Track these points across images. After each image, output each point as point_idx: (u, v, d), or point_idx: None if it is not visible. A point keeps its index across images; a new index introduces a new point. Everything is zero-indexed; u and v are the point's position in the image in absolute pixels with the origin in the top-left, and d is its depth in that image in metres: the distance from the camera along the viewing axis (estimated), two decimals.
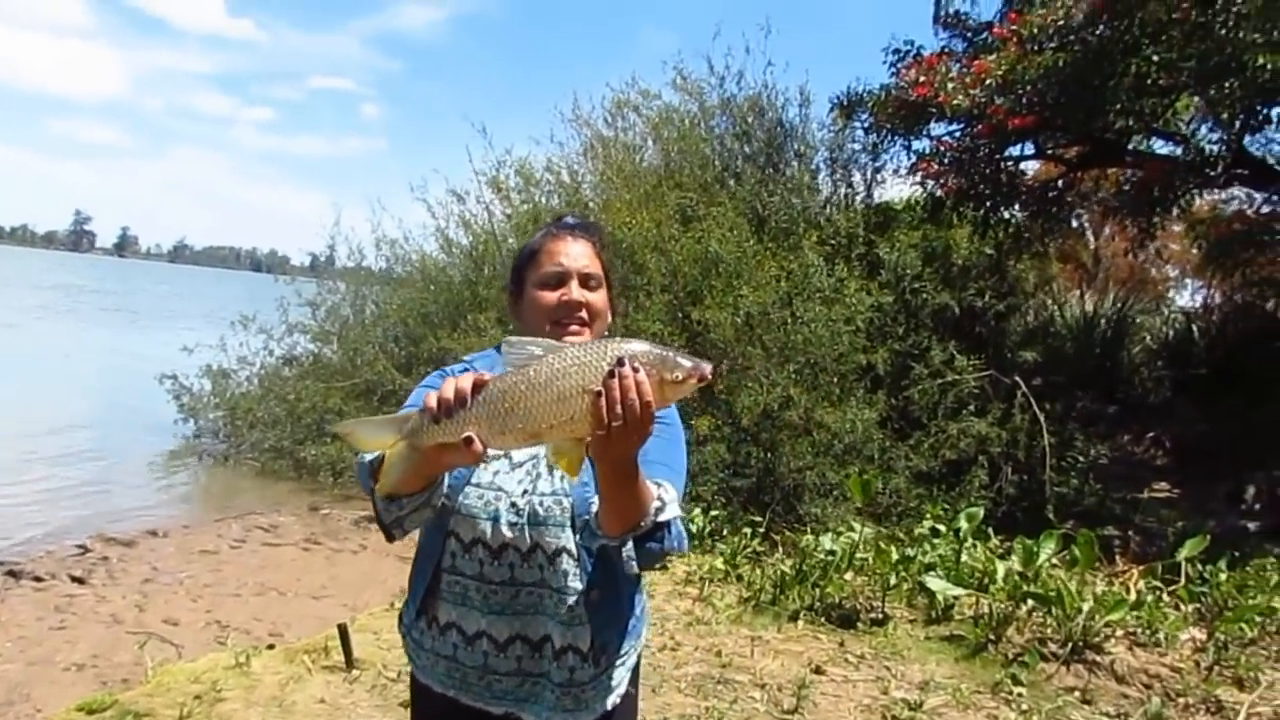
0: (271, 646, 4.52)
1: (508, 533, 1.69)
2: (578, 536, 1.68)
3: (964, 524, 5.66)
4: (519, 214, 9.95)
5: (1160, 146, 9.20)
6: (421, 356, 8.77)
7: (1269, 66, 6.84)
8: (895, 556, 5.44)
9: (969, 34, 10.46)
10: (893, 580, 5.35)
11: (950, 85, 8.81)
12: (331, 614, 5.18)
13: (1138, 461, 10.98)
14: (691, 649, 4.61)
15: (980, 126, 8.58)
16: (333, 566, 6.46)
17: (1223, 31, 7.41)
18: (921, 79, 8.98)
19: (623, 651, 1.78)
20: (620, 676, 1.78)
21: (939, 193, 9.16)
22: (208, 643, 4.94)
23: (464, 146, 10.20)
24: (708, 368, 1.35)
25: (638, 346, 1.34)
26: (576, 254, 1.77)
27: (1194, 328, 13.05)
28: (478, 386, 1.35)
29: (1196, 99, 7.71)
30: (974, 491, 6.90)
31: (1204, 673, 4.41)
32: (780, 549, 6.36)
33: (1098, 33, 8.17)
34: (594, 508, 1.60)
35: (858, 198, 10.13)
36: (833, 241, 8.50)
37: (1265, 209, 10.67)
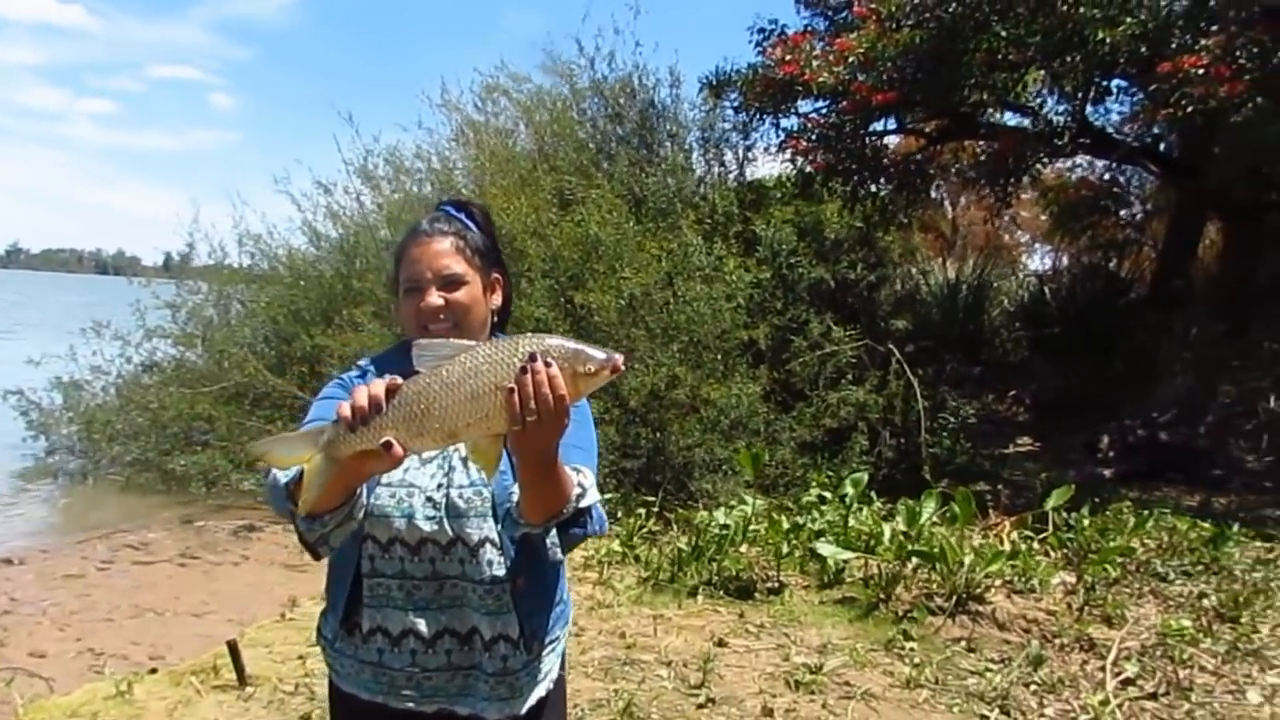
0: (154, 671, 4.29)
1: (425, 527, 1.67)
2: (499, 526, 1.67)
3: (849, 489, 5.86)
4: (390, 203, 9.70)
5: (1012, 119, 9.67)
6: (294, 355, 8.46)
7: (1107, 41, 7.27)
8: (786, 526, 5.57)
9: (830, 12, 10.77)
10: (784, 549, 5.48)
11: (815, 63, 9.05)
12: (217, 631, 4.95)
13: (1002, 419, 11.59)
14: (596, 633, 4.61)
15: (845, 103, 8.83)
16: (213, 581, 6.16)
17: (1064, 8, 7.83)
18: (788, 57, 9.19)
19: (552, 637, 1.79)
20: (551, 662, 1.80)
21: (809, 169, 9.39)
22: (82, 673, 4.64)
23: (327, 136, 9.88)
24: (620, 359, 1.36)
25: (550, 341, 1.35)
26: (433, 257, 1.72)
27: (1046, 290, 13.82)
28: (391, 390, 1.34)
29: (1043, 73, 8.13)
30: (855, 457, 7.13)
31: (1076, 614, 4.70)
32: (675, 527, 6.42)
33: (951, 10, 8.51)
34: (515, 497, 1.59)
35: (730, 176, 10.29)
36: (709, 220, 8.60)
37: (1106, 176, 11.38)
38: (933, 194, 14.61)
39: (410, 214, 9.14)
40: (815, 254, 8.09)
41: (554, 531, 1.60)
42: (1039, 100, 8.75)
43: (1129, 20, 7.30)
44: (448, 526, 1.67)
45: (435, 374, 1.34)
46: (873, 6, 9.03)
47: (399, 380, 1.34)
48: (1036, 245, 23.52)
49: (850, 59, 8.84)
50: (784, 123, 9.88)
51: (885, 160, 9.66)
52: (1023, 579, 5.05)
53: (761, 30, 10.52)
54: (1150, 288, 11.88)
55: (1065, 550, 5.64)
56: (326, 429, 1.38)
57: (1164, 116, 6.84)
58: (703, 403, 6.96)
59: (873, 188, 9.42)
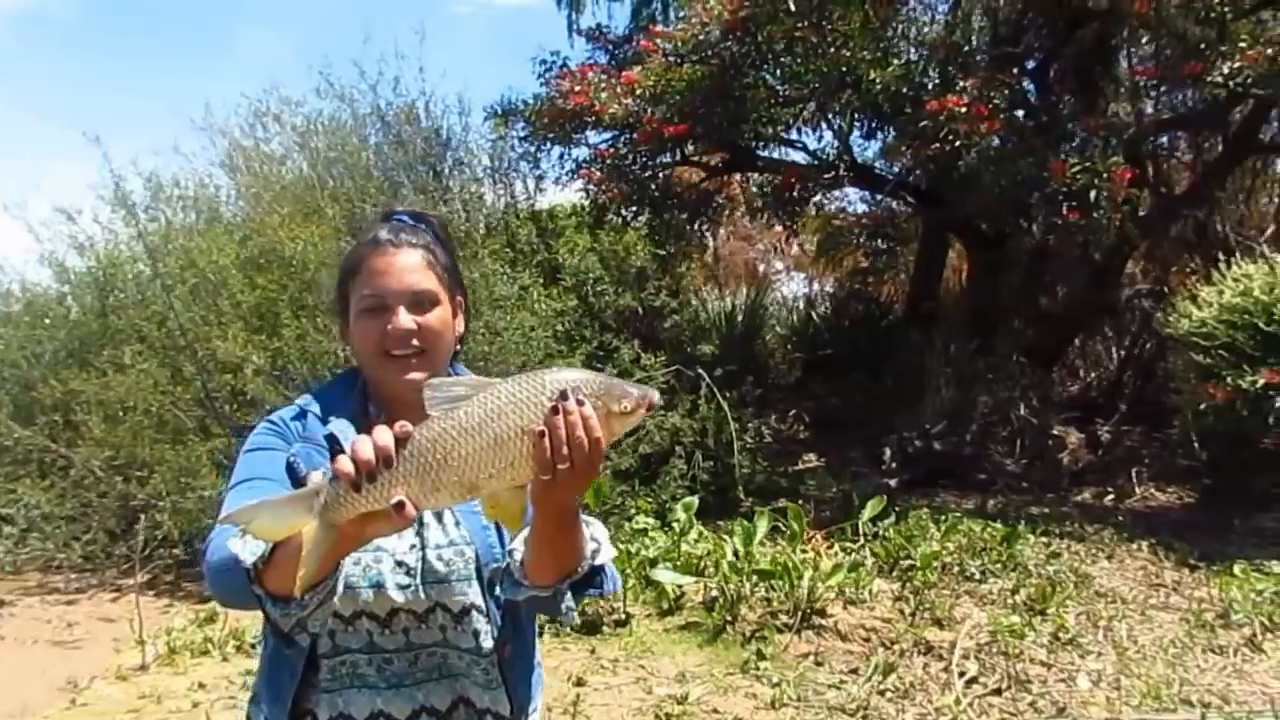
0: None
1: (398, 597, 1.45)
2: (495, 589, 1.47)
3: (681, 514, 5.88)
4: (149, 233, 8.78)
5: (791, 153, 10.22)
6: (44, 403, 7.42)
7: (878, 81, 7.85)
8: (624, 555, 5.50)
9: (610, 46, 10.95)
10: (622, 579, 5.40)
11: (604, 95, 9.14)
12: None
13: (785, 438, 12.13)
14: None
15: (638, 134, 8.97)
16: None
17: (833, 50, 8.37)
18: (576, 88, 9.22)
19: (534, 706, 1.62)
20: None
21: (603, 199, 9.45)
22: None
23: (56, 160, 8.74)
24: (655, 395, 1.24)
25: (578, 375, 1.21)
26: (401, 271, 1.51)
27: (813, 314, 14.72)
28: (401, 439, 1.13)
29: (817, 110, 8.67)
30: (674, 481, 7.18)
31: (909, 619, 4.94)
32: None
33: (731, 49, 8.89)
34: (517, 555, 1.41)
35: (521, 205, 10.18)
36: (509, 249, 8.43)
37: (865, 207, 12.34)
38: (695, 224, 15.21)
39: (174, 243, 8.35)
40: (618, 281, 8.13)
41: (568, 595, 1.42)
42: (817, 135, 9.34)
43: (895, 62, 7.93)
44: (424, 594, 1.46)
45: (451, 417, 1.15)
46: (657, 42, 9.27)
47: (409, 427, 1.13)
48: (791, 273, 24.99)
49: (639, 91, 9.00)
50: (575, 153, 9.94)
51: (678, 190, 9.92)
52: (854, 590, 5.26)
53: (544, 62, 10.56)
54: (904, 310, 12.91)
55: (876, 559, 5.94)
56: (323, 489, 1.14)
57: (934, 151, 7.46)
58: None
59: (667, 217, 9.62)
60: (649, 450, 7.29)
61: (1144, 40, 9.41)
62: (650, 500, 6.91)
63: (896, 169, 10.81)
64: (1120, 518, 7.40)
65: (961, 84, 7.55)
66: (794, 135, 9.63)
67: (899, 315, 12.95)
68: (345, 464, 1.11)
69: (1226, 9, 7.82)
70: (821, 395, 12.10)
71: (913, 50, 9.12)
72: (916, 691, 4.13)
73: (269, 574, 1.23)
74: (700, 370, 7.73)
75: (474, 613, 1.48)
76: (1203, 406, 6.69)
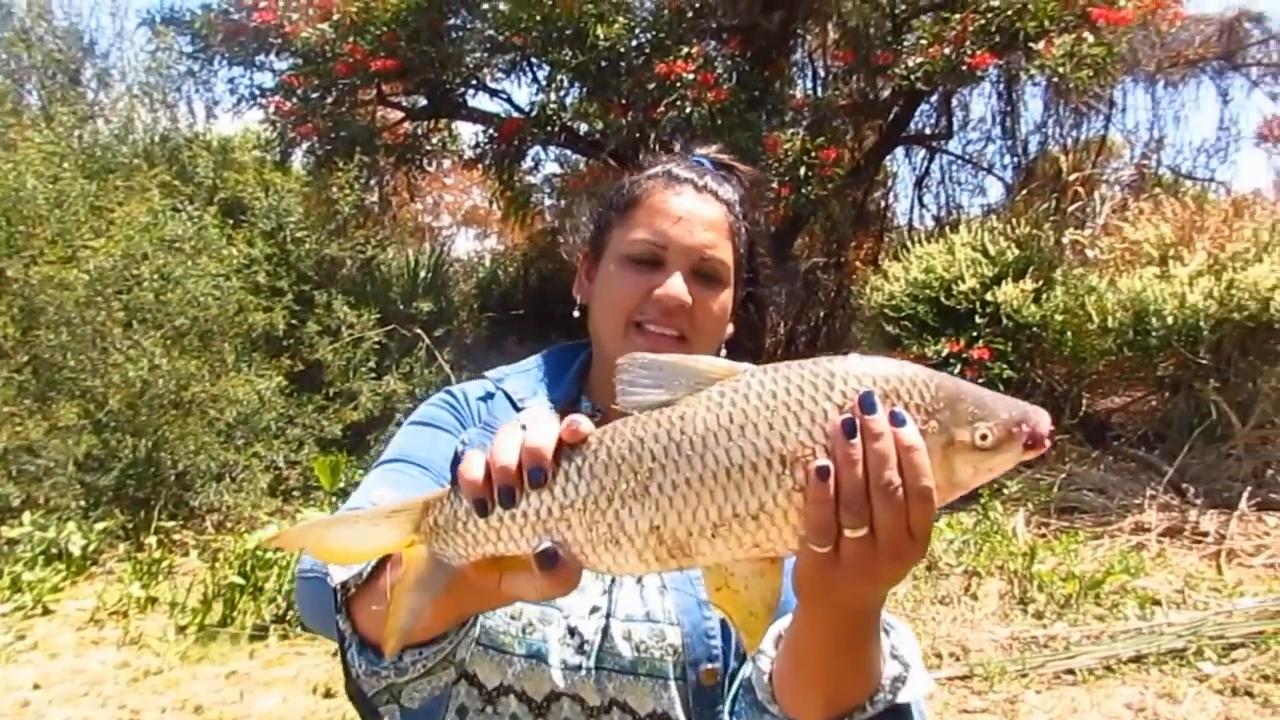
0: None
1: (560, 680, 0.98)
2: (723, 707, 1.00)
3: None
4: None
5: (495, 104, 9.73)
6: None
7: (603, 37, 7.64)
8: None
9: None
10: None
11: (296, 15, 8.12)
12: None
13: None
14: (157, 712, 3.54)
15: (337, 65, 8.02)
16: None
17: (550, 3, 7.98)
18: (263, 3, 8.09)
19: None
20: None
21: (291, 134, 8.38)
22: None
23: None
24: (1044, 420, 0.68)
25: (893, 370, 0.68)
26: (695, 223, 1.08)
27: (499, 272, 14.34)
28: (572, 442, 0.67)
29: (526, 60, 8.35)
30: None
31: None
32: (184, 553, 5.33)
33: None
34: (765, 661, 0.89)
35: (184, 132, 8.80)
36: (179, 184, 7.23)
37: (555, 167, 12.23)
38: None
39: None
40: (321, 228, 7.26)
41: None
42: (534, 88, 8.97)
43: (621, 20, 7.75)
44: (596, 683, 0.98)
45: (660, 421, 0.67)
46: None
47: (583, 425, 0.68)
48: (460, 229, 24.46)
49: (337, 17, 8.08)
50: (256, 77, 8.76)
51: (380, 130, 9.05)
52: None
53: None
54: None
55: None
56: (435, 503, 0.69)
57: (658, 115, 7.41)
58: (210, 399, 5.81)
59: (369, 161, 8.73)
60: (359, 419, 6.60)
61: (830, 27, 10.04)
62: (364, 472, 6.27)
63: (597, 130, 10.76)
64: None
65: (685, 50, 7.54)
66: (498, 86, 9.21)
67: None
68: (471, 467, 0.66)
69: (901, 6, 8.59)
70: (515, 355, 11.84)
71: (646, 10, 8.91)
72: None
73: (363, 604, 0.79)
74: (420, 330, 7.09)
75: None
76: None
